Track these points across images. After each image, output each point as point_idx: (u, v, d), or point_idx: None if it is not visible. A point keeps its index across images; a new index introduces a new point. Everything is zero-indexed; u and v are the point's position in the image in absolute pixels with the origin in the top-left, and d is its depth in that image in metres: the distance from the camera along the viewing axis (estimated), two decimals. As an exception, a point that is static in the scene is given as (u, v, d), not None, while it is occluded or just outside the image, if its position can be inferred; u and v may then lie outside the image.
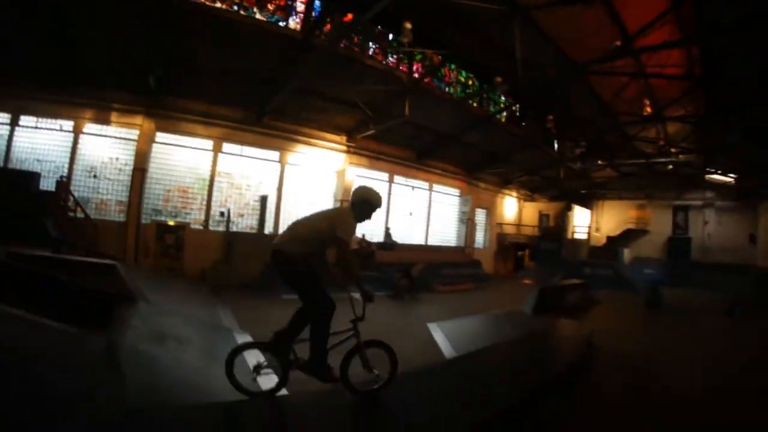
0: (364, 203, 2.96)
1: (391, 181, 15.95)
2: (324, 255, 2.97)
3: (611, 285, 15.39)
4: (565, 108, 14.02)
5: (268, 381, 2.78)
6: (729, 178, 19.88)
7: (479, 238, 21.00)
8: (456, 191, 19.22)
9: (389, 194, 15.84)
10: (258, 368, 2.78)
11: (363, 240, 13.40)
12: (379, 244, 14.38)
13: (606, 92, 12.16)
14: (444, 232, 18.45)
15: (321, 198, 13.41)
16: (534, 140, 16.72)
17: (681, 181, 22.14)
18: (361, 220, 2.96)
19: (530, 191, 24.64)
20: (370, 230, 14.47)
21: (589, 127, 16.81)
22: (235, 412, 2.38)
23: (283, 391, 2.71)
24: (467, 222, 18.74)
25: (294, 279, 2.75)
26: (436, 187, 18.12)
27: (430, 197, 17.93)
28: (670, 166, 18.77)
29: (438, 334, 5.27)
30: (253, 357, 3.14)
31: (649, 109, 12.37)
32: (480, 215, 21.14)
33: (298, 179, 12.79)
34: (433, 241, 17.83)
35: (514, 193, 23.50)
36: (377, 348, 2.84)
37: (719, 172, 19.21)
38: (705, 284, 18.16)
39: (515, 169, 20.17)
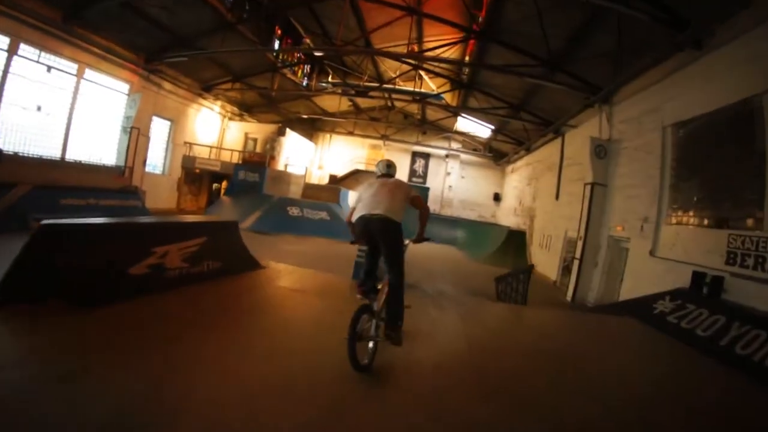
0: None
1: (13, 50, 10.02)
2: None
3: (322, 231, 13.40)
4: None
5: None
6: (485, 127, 18.17)
7: (156, 159, 15.56)
8: (123, 85, 13.43)
9: (5, 72, 9.99)
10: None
11: None
12: (-30, 150, 9.57)
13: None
14: (97, 143, 13.06)
15: None
16: (237, 19, 12.45)
17: (425, 125, 20.24)
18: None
19: (240, 108, 19.60)
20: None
21: (317, 25, 13.42)
22: None
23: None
24: (132, 131, 12.96)
25: (396, 243, 3.10)
26: (90, 74, 12.33)
27: (77, 87, 12.11)
28: (417, 111, 16.33)
29: None
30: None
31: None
32: (161, 128, 15.55)
33: None
34: (75, 155, 12.56)
35: (218, 108, 18.28)
36: None
37: (472, 119, 17.33)
38: (438, 237, 17.65)
39: (215, 67, 15.23)
